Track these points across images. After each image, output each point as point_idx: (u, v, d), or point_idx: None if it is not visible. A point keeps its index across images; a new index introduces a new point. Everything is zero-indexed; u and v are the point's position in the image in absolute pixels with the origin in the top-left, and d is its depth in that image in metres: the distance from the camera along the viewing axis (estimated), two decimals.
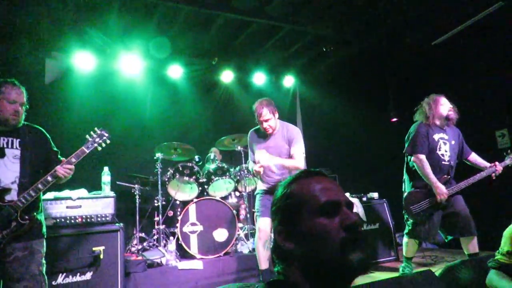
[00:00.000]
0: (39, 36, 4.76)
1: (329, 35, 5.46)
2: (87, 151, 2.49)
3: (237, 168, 4.74)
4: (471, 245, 3.28)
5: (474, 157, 3.55)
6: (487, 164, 3.43)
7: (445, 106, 3.42)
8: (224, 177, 4.51)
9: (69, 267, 2.97)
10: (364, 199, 4.77)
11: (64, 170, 2.37)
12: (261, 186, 3.45)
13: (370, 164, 6.19)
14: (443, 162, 3.38)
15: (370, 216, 4.56)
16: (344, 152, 6.46)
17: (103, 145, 2.58)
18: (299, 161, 3.28)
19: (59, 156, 2.56)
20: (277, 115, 3.39)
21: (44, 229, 2.44)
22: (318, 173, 1.02)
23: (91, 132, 2.56)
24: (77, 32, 4.88)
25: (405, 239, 3.54)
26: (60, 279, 2.90)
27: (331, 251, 0.86)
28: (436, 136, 3.40)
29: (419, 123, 3.49)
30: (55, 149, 2.59)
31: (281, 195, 0.99)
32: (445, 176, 3.33)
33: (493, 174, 3.36)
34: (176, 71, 5.65)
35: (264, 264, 3.21)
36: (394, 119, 6.28)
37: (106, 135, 2.58)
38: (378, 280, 1.87)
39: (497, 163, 3.38)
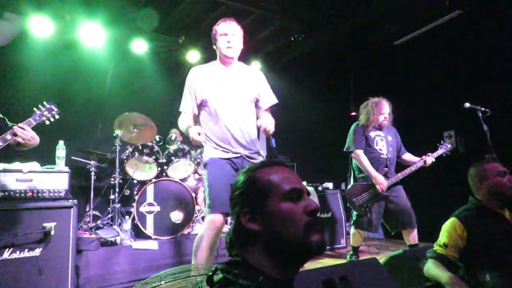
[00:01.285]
0: None
1: (296, 26, 5.52)
2: (34, 123, 2.44)
3: (198, 151, 4.72)
4: (412, 237, 3.59)
5: (407, 156, 3.87)
6: (418, 159, 3.75)
7: (383, 115, 3.71)
8: (184, 159, 4.49)
9: (16, 242, 2.83)
10: (319, 188, 4.96)
11: (21, 131, 2.29)
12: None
13: (327, 155, 6.42)
14: (381, 156, 3.70)
15: (324, 205, 4.77)
16: (304, 142, 6.63)
17: (51, 119, 2.54)
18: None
19: (7, 122, 2.46)
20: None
21: None
22: (281, 163, 1.11)
23: (39, 105, 2.51)
24: None
25: (352, 230, 3.83)
26: (6, 254, 2.78)
27: (295, 232, 0.95)
28: (372, 134, 3.75)
29: (356, 124, 3.83)
30: (0, 115, 2.49)
31: (245, 180, 1.05)
32: (385, 168, 3.64)
33: (424, 163, 3.67)
34: (140, 46, 5.44)
35: None
36: (353, 114, 6.53)
37: (55, 109, 2.54)
38: (327, 266, 1.99)
39: (427, 156, 3.68)
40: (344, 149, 3.84)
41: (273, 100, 2.80)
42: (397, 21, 5.19)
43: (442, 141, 3.86)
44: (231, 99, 2.55)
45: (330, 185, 5.13)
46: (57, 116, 2.56)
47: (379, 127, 3.79)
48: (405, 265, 2.30)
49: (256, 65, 6.57)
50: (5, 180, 2.99)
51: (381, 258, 2.45)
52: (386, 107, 3.72)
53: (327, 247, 4.61)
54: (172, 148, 4.53)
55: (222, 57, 2.61)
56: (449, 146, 3.80)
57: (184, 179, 4.63)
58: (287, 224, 0.96)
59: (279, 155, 6.15)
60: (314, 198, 4.65)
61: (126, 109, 5.32)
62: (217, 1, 4.90)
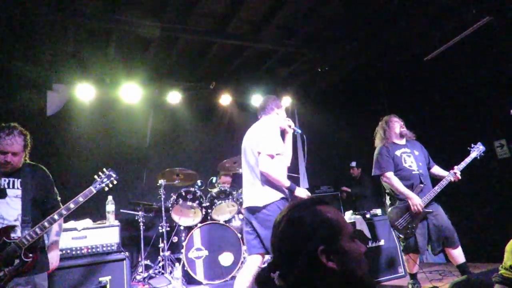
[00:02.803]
0: (41, 69, 4.89)
1: (322, 57, 5.59)
2: (94, 191, 2.56)
3: (240, 191, 4.77)
4: (456, 256, 3.36)
5: (436, 170, 3.67)
6: (447, 172, 3.53)
7: (397, 124, 3.64)
8: (227, 200, 4.54)
9: None
10: (368, 216, 4.77)
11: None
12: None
13: (370, 181, 6.22)
14: (413, 173, 3.51)
15: (375, 233, 4.55)
16: (343, 169, 6.50)
17: (110, 185, 2.64)
18: None
19: (57, 198, 2.63)
20: None
21: (47, 263, 2.47)
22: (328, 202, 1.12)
23: (99, 173, 2.63)
24: (78, 64, 5.01)
25: (404, 256, 3.61)
26: None
27: (363, 271, 0.99)
28: (398, 152, 3.58)
29: (379, 147, 3.70)
30: (55, 191, 2.64)
31: (313, 217, 1.03)
32: (420, 185, 3.44)
33: (454, 178, 3.42)
34: (175, 97, 5.73)
35: None
36: None
37: (114, 175, 2.65)
38: None
39: (455, 167, 3.46)
40: (372, 174, 3.69)
41: None
42: (425, 37, 5.11)
43: (472, 145, 3.61)
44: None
45: (378, 211, 4.91)
46: (115, 182, 2.66)
47: (403, 143, 3.65)
48: None
49: (287, 99, 6.67)
50: (62, 239, 3.15)
51: (444, 286, 2.29)
52: (395, 118, 3.68)
53: (385, 277, 4.36)
54: (214, 191, 4.61)
55: (283, 125, 3.21)
56: (481, 147, 3.57)
57: (228, 221, 4.66)
58: (359, 264, 0.99)
59: (322, 186, 6.06)
60: (364, 227, 4.47)
61: (166, 157, 5.56)
62: (242, 45, 5.10)
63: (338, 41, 5.26)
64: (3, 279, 2.19)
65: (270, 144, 2.81)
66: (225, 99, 6.12)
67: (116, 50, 4.85)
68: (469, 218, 3.47)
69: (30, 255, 2.28)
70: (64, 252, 3.13)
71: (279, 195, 2.79)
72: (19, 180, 2.44)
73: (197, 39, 4.82)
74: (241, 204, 4.75)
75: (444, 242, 3.36)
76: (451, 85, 5.22)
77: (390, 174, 3.48)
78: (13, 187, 2.41)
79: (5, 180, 2.40)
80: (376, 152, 3.69)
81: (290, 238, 1.03)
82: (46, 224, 2.34)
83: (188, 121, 5.95)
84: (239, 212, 4.80)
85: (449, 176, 3.43)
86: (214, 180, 4.82)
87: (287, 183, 2.82)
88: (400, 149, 3.60)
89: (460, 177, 3.42)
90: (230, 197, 4.58)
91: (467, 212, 3.51)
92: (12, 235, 2.29)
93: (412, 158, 3.58)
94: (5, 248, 2.23)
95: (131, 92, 5.33)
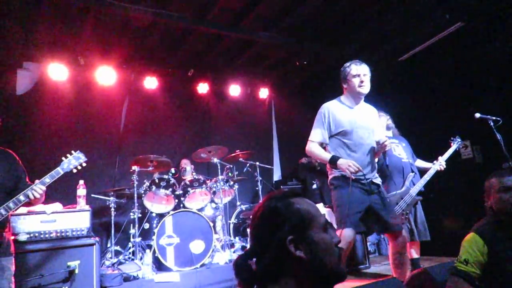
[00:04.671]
0: (11, 46, 4.68)
1: (301, 51, 5.65)
2: (62, 172, 2.51)
3: (213, 180, 4.79)
4: (415, 251, 3.61)
5: (419, 163, 3.89)
6: (430, 164, 3.74)
7: (383, 118, 3.83)
8: (200, 188, 4.56)
9: (43, 283, 2.92)
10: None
11: (36, 191, 2.37)
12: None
13: None
14: (403, 161, 3.72)
15: None
16: (317, 164, 6.62)
17: (79, 167, 2.59)
18: None
19: (26, 180, 2.56)
20: None
21: (12, 247, 2.43)
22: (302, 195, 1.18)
23: (68, 154, 2.58)
24: (50, 43, 4.83)
25: None
26: None
27: (333, 261, 1.04)
28: None
29: None
30: (24, 172, 2.57)
31: (285, 208, 1.08)
32: (411, 173, 3.62)
33: (440, 167, 3.63)
34: (151, 82, 5.66)
35: None
36: None
37: (83, 158, 2.61)
38: None
39: (439, 158, 3.68)
40: None
41: (381, 135, 3.03)
42: (400, 38, 5.27)
43: (452, 138, 3.85)
44: (365, 131, 2.87)
45: None
46: (84, 164, 2.61)
47: (390, 135, 3.83)
48: (427, 283, 2.25)
49: (265, 91, 6.70)
50: (31, 222, 3.12)
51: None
52: (381, 113, 3.80)
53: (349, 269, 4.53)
54: (188, 179, 4.61)
55: (355, 94, 2.92)
56: (459, 140, 3.83)
57: (201, 209, 4.68)
58: (329, 254, 1.04)
59: (294, 179, 6.16)
60: (333, 219, 4.61)
61: (141, 143, 5.48)
62: (221, 34, 5.08)
63: (317, 37, 5.33)
64: None
65: (311, 133, 2.90)
66: (202, 88, 6.08)
67: (92, 31, 4.71)
68: (430, 213, 3.66)
69: None
70: (32, 235, 3.07)
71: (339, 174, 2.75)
72: None
73: (176, 25, 4.75)
74: (214, 193, 4.78)
75: (418, 234, 3.58)
76: (422, 86, 5.41)
77: None
78: None
79: None
80: None
81: (264, 227, 1.09)
82: (11, 205, 2.30)
83: (164, 107, 5.88)
84: (212, 200, 4.84)
85: (435, 165, 3.64)
86: (188, 168, 4.82)
87: (326, 157, 2.72)
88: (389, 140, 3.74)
89: (445, 166, 3.64)
90: (204, 185, 4.60)
91: (430, 207, 3.71)
92: None
93: (400, 148, 3.80)
94: None
95: (106, 75, 5.21)
